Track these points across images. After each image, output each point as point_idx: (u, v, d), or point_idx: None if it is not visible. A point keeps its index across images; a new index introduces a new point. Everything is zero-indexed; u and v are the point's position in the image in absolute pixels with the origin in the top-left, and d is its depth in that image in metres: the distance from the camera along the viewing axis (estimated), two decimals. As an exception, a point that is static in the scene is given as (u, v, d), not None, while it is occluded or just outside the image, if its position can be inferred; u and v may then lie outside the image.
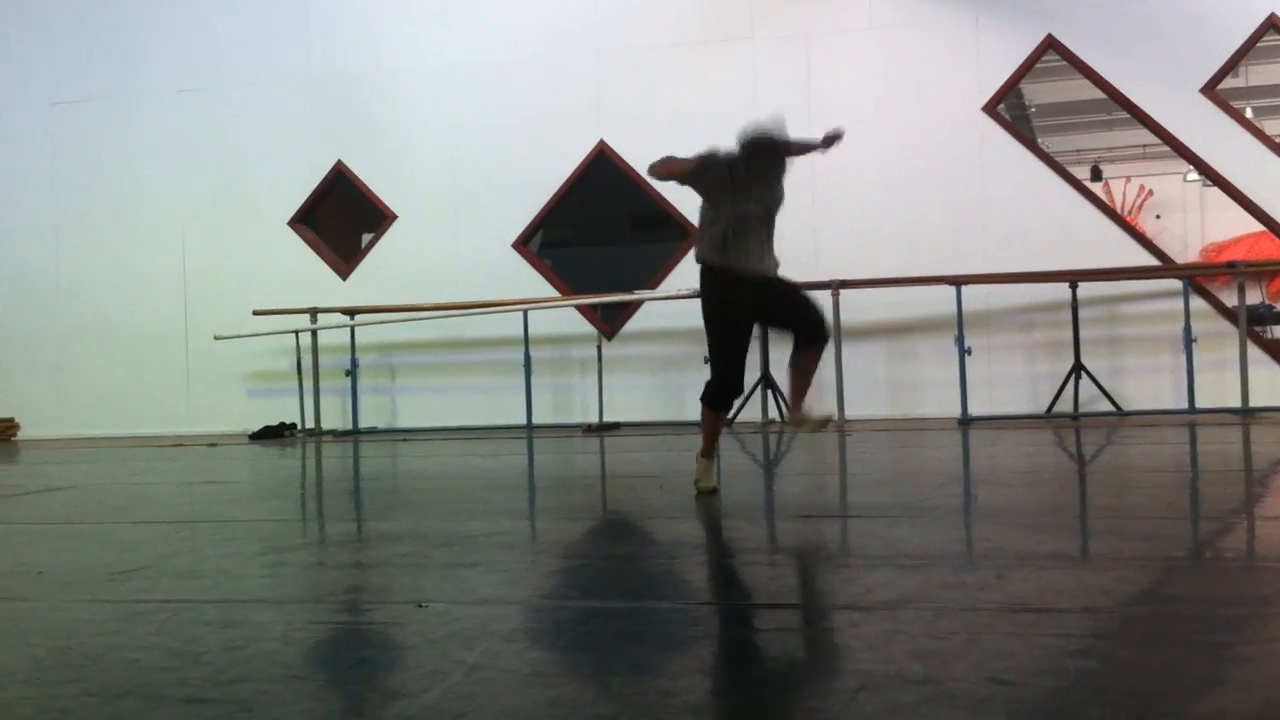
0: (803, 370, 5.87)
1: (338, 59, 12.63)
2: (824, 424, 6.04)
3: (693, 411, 11.14)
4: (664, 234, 12.02)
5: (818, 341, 5.80)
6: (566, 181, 12.00)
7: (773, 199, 5.76)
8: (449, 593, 3.67)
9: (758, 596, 3.65)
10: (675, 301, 11.30)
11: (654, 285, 11.69)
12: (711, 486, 5.81)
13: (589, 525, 5.56)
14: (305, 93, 12.71)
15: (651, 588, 3.83)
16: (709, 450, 5.90)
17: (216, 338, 11.99)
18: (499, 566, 4.14)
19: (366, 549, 4.85)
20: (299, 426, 12.08)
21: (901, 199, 11.04)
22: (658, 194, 11.77)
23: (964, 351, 10.32)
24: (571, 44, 12.03)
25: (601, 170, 12.02)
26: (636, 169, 11.82)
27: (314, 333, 12.00)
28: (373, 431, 12.09)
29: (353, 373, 11.99)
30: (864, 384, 10.93)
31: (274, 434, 11.96)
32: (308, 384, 12.00)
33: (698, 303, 11.10)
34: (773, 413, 10.70)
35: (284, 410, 12.20)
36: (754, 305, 5.75)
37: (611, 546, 4.88)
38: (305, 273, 12.57)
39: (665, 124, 11.65)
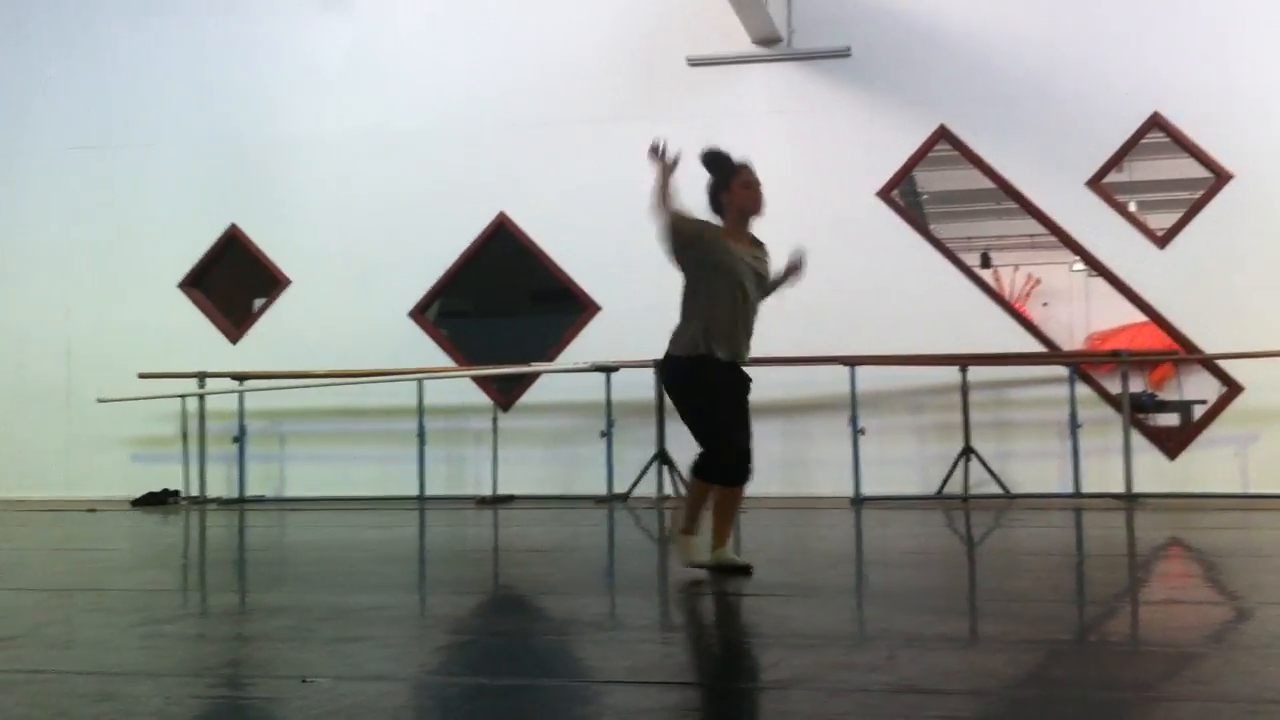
0: (720, 510, 5.57)
1: (234, 121, 12.49)
2: (695, 565, 5.52)
3: (588, 485, 11.25)
4: (562, 307, 12.01)
5: (737, 482, 5.55)
6: (466, 252, 11.97)
7: (762, 277, 5.82)
8: (334, 668, 3.59)
9: (650, 675, 3.62)
10: (572, 375, 11.30)
11: (551, 358, 11.68)
12: (702, 561, 5.49)
13: (479, 600, 5.48)
14: (199, 154, 12.54)
15: (542, 665, 3.78)
16: (692, 526, 5.56)
17: (100, 400, 11.69)
18: (386, 641, 4.06)
19: (249, 621, 4.73)
20: (183, 493, 11.80)
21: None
22: (557, 267, 11.80)
23: (857, 432, 10.44)
24: (475, 115, 12.04)
25: (501, 242, 12.01)
26: (536, 242, 11.85)
27: (201, 397, 11.76)
28: (260, 500, 11.84)
29: (240, 439, 11.76)
30: (758, 462, 10.90)
31: (157, 500, 11.66)
32: (193, 450, 11.74)
33: (593, 377, 11.16)
34: (668, 488, 10.66)
35: (168, 476, 11.90)
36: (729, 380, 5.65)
37: (502, 622, 4.81)
38: (194, 336, 12.34)
39: (567, 198, 11.73)
